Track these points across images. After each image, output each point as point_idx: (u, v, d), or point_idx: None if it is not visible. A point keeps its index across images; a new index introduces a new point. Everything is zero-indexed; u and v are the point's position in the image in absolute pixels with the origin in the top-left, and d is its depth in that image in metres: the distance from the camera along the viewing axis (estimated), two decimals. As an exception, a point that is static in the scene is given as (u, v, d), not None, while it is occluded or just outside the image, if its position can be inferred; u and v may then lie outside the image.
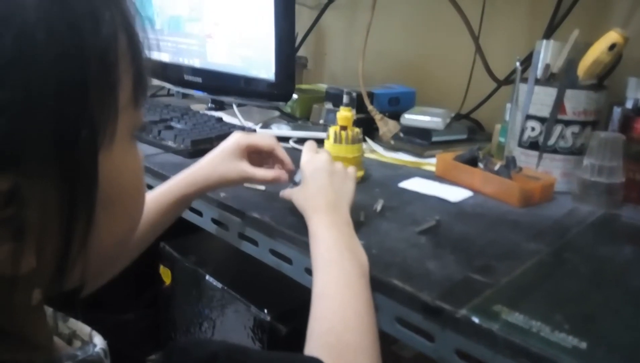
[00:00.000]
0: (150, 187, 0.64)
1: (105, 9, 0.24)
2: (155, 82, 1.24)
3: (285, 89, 0.95)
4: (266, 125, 0.98)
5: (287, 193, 0.58)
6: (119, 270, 0.56)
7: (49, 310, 0.33)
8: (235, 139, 0.59)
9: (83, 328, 0.36)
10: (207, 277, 0.83)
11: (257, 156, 0.62)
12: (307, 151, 0.59)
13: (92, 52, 0.24)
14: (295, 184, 0.59)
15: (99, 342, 0.35)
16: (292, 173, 0.61)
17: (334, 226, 0.49)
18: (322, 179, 0.54)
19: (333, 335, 0.40)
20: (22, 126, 0.21)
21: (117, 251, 0.31)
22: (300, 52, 1.30)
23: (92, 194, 0.25)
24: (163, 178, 0.70)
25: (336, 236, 0.48)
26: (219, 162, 0.59)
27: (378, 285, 0.46)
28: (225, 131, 0.88)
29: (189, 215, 0.69)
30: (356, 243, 0.49)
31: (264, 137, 0.62)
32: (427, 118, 0.86)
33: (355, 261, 0.46)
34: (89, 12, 0.23)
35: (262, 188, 0.67)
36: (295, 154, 0.64)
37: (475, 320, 0.40)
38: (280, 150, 0.61)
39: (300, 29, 1.21)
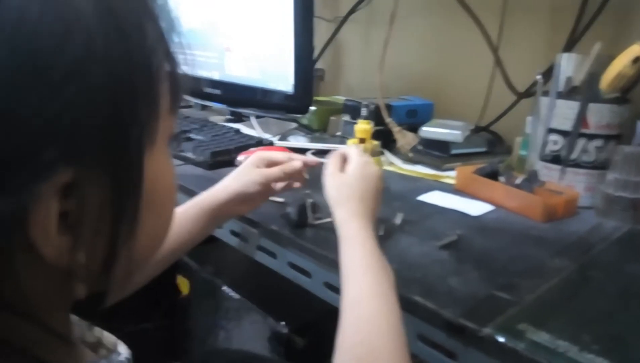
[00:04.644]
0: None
1: (148, 21, 0.26)
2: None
3: (303, 102, 0.96)
4: (284, 137, 0.99)
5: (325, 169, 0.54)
6: (145, 280, 0.56)
7: (74, 318, 0.33)
8: (253, 155, 0.62)
9: (108, 337, 0.36)
10: (224, 288, 0.83)
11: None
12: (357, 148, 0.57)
13: (139, 60, 0.25)
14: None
15: (123, 350, 0.35)
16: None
17: (372, 238, 0.49)
18: (372, 186, 0.52)
19: (364, 346, 0.40)
20: (83, 123, 0.23)
21: (152, 252, 0.32)
22: (318, 65, 1.31)
23: (138, 191, 0.27)
24: (182, 189, 0.70)
25: (373, 246, 0.48)
26: (240, 173, 0.60)
27: (399, 301, 0.45)
28: (243, 142, 0.88)
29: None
30: (384, 257, 0.49)
31: (280, 152, 0.64)
32: (446, 131, 0.86)
33: (388, 273, 0.46)
34: (136, 23, 0.25)
35: (282, 199, 0.67)
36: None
37: (500, 338, 0.39)
38: (297, 158, 0.62)
39: (318, 42, 1.22)
